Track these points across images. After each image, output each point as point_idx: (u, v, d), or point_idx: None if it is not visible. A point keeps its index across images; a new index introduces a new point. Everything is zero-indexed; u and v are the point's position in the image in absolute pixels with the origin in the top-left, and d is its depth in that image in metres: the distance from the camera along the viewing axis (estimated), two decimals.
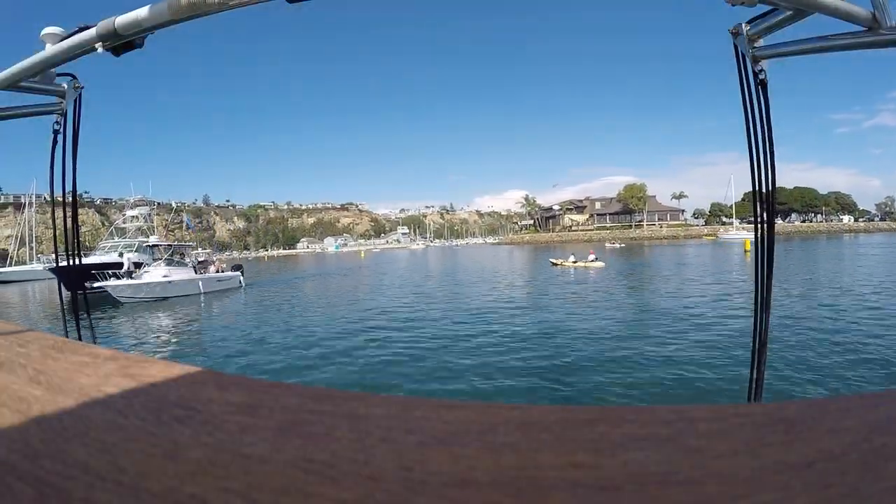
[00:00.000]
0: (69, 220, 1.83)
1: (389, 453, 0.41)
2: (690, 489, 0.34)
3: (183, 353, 9.44)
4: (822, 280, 16.49)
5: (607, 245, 62.84)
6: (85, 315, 1.78)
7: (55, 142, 1.69)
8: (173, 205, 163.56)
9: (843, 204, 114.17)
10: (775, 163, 1.43)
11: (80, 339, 1.69)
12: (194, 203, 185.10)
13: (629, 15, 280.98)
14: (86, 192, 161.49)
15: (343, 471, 0.38)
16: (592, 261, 26.46)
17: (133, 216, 38.25)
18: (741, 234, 58.52)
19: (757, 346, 1.52)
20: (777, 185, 1.48)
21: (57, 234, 1.81)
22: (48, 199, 1.78)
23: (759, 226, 1.49)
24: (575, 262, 26.88)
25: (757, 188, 1.46)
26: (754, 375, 1.53)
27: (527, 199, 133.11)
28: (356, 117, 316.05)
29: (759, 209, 1.48)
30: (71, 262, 1.74)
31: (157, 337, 11.44)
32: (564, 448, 0.41)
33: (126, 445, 0.44)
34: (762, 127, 1.43)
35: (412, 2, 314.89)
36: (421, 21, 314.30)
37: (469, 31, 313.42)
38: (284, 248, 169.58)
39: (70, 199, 1.77)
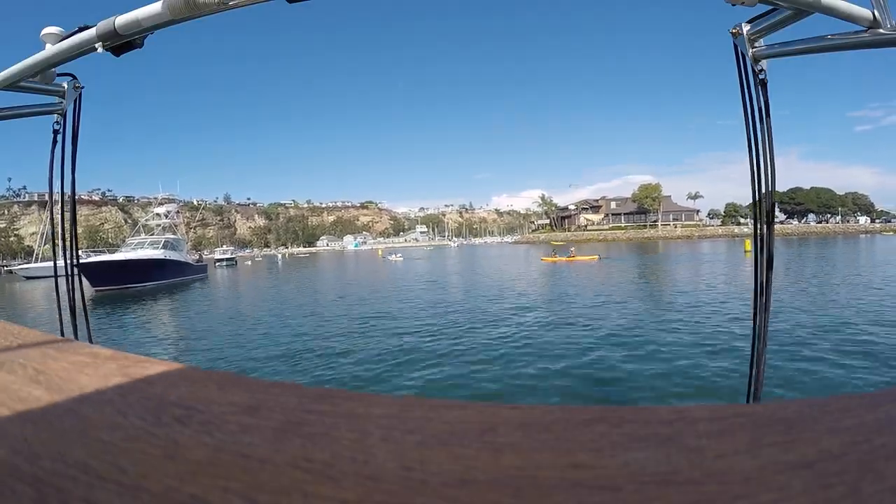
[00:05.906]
0: (68, 220, 1.85)
1: (389, 453, 0.41)
2: (690, 489, 0.34)
3: (183, 352, 9.33)
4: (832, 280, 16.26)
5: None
6: (84, 314, 1.79)
7: (55, 141, 1.71)
8: (195, 203, 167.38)
9: (859, 204, 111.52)
10: (775, 163, 1.45)
11: (78, 338, 1.70)
12: (216, 201, 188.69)
13: (648, 13, 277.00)
14: (109, 191, 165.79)
15: (343, 471, 0.39)
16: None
17: (159, 213, 39.21)
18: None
19: (757, 346, 1.53)
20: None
21: (55, 232, 1.84)
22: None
23: (758, 226, 1.50)
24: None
25: (757, 188, 1.48)
26: (753, 375, 1.54)
27: (543, 198, 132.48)
28: (377, 117, 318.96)
29: (758, 209, 1.50)
30: (69, 261, 1.76)
31: (157, 336, 11.31)
32: (564, 448, 0.41)
33: (126, 445, 0.44)
34: (762, 127, 1.45)
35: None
36: (442, 16, 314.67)
37: (490, 29, 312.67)
38: (304, 246, 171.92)
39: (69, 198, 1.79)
